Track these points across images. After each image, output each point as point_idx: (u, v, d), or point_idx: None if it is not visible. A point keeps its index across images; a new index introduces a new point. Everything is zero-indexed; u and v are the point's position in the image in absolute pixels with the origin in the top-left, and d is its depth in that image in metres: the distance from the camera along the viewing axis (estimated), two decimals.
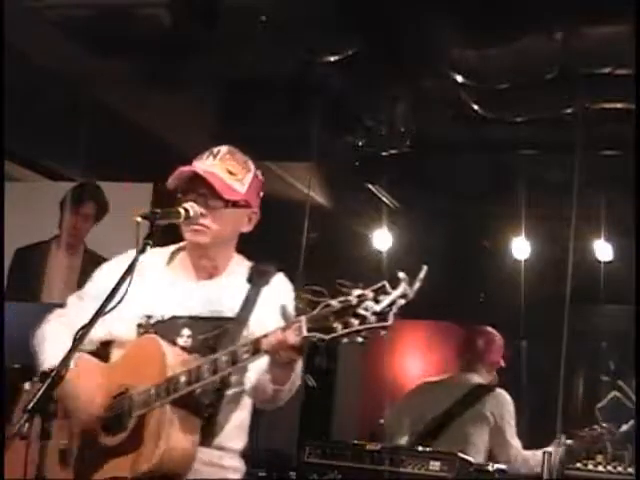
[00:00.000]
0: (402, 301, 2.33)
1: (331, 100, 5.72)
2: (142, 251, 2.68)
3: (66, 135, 5.99)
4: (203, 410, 2.69)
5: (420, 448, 4.86)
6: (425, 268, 2.36)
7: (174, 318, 2.83)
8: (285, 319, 2.49)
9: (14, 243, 6.15)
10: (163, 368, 2.68)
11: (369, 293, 2.33)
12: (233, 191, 2.83)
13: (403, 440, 5.36)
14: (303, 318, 2.42)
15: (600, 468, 6.23)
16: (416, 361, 9.08)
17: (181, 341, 2.78)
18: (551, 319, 5.60)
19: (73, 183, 6.34)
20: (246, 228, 2.91)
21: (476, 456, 5.06)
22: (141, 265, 2.72)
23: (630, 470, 6.08)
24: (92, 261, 6.10)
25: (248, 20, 4.74)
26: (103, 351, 2.93)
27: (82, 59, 5.20)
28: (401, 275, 2.36)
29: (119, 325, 2.84)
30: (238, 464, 2.89)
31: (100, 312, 2.55)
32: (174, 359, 2.69)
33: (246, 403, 2.87)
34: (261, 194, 2.92)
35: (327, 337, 2.38)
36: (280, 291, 2.85)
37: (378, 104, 5.97)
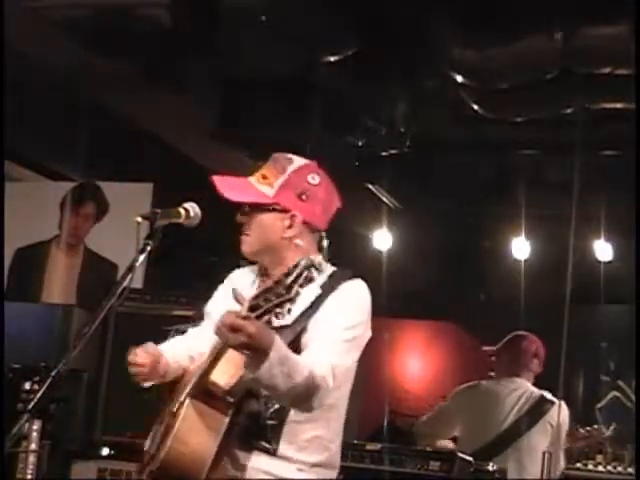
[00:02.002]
0: (312, 272, 2.38)
1: (331, 100, 5.72)
2: (142, 251, 2.68)
3: (66, 135, 6.00)
4: (227, 407, 2.62)
5: (420, 448, 4.86)
6: (325, 238, 2.58)
7: None
8: (237, 301, 2.46)
9: (14, 243, 6.15)
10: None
11: (292, 269, 2.39)
12: (257, 194, 2.80)
13: (445, 443, 5.34)
14: (247, 299, 2.43)
15: (600, 468, 6.25)
16: (416, 361, 9.08)
17: None
18: (551, 319, 5.60)
19: (73, 183, 6.34)
20: (288, 233, 2.80)
21: (537, 467, 5.02)
22: (236, 281, 2.88)
23: (630, 470, 6.10)
24: (92, 261, 6.12)
25: (248, 20, 4.74)
26: None
27: (82, 59, 5.21)
28: (298, 242, 2.45)
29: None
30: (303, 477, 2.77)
31: (103, 312, 2.56)
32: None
33: (323, 416, 2.77)
34: (304, 194, 2.81)
35: (252, 315, 2.38)
36: (343, 296, 2.76)
37: (378, 104, 5.97)
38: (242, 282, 2.92)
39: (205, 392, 2.63)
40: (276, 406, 2.69)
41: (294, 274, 2.38)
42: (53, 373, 2.44)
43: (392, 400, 7.42)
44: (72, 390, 4.61)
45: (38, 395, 2.41)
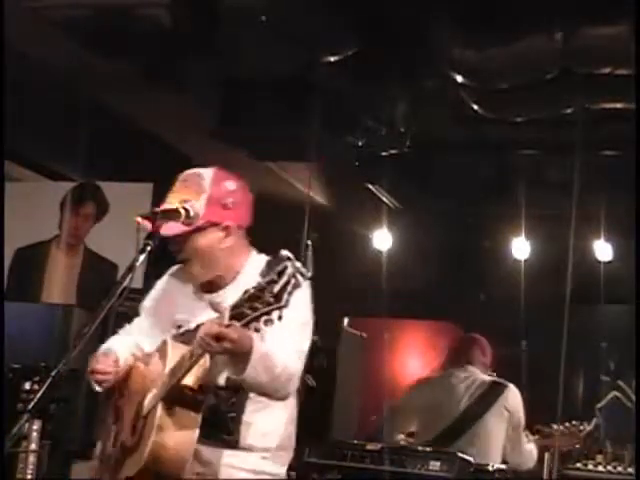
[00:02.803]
0: (298, 278, 2.36)
1: (331, 100, 5.72)
2: (142, 251, 2.69)
3: (66, 135, 5.99)
4: (201, 406, 2.70)
5: (420, 448, 4.86)
6: (310, 243, 2.48)
7: (199, 326, 2.86)
8: (214, 310, 2.52)
9: (14, 243, 6.15)
10: (164, 369, 2.74)
11: (274, 276, 2.37)
12: (188, 219, 2.84)
13: (400, 437, 5.36)
14: (227, 307, 2.46)
15: (600, 468, 6.24)
16: (416, 361, 9.09)
17: None
18: (551, 319, 5.60)
19: (73, 183, 6.34)
20: (226, 243, 2.90)
21: (495, 452, 5.04)
22: (169, 284, 3.01)
23: (630, 470, 6.08)
24: (92, 261, 6.12)
25: (248, 20, 4.74)
26: None
27: (82, 59, 5.20)
28: (284, 254, 2.42)
29: (162, 337, 2.93)
30: (267, 466, 2.89)
31: (103, 312, 2.56)
32: (175, 358, 2.72)
33: (278, 403, 2.87)
34: (229, 203, 2.87)
35: (239, 324, 2.42)
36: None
37: (378, 104, 5.97)
38: (177, 287, 3.02)
39: (176, 394, 2.68)
40: (234, 399, 2.78)
41: (281, 282, 2.36)
42: (53, 373, 2.44)
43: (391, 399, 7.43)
44: (72, 390, 4.60)
45: (38, 395, 2.41)
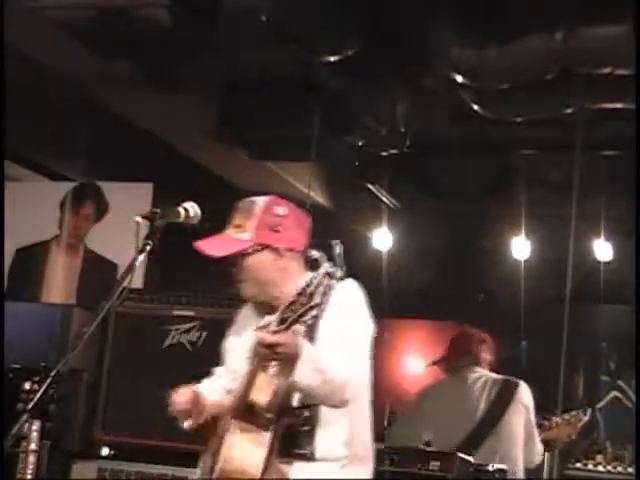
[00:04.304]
0: (330, 280, 2.71)
1: (331, 100, 5.72)
2: (142, 251, 2.69)
3: (66, 135, 6.00)
4: (267, 423, 2.78)
5: (420, 448, 4.85)
6: (337, 243, 2.91)
7: None
8: (265, 327, 2.71)
9: (14, 243, 6.16)
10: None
11: (308, 279, 2.70)
12: (237, 242, 2.95)
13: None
14: (274, 317, 2.69)
15: (600, 468, 6.25)
16: (416, 361, 9.09)
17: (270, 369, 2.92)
18: (551, 319, 5.60)
19: (73, 183, 6.35)
20: (279, 264, 2.98)
21: (519, 451, 4.92)
22: (243, 317, 3.14)
23: (630, 470, 6.10)
24: (92, 261, 6.12)
25: (248, 20, 4.74)
26: None
27: (82, 59, 5.21)
28: (314, 254, 2.80)
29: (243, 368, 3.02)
30: (345, 474, 2.94)
31: (103, 312, 2.57)
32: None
33: (348, 411, 2.90)
34: (278, 227, 2.96)
35: (282, 327, 2.63)
36: (342, 298, 2.93)
37: (378, 104, 5.97)
38: (250, 320, 3.08)
39: (246, 412, 2.77)
40: (306, 414, 2.86)
41: (314, 284, 2.68)
42: (53, 373, 2.44)
43: (392, 400, 7.43)
44: (72, 390, 4.60)
45: (38, 395, 2.41)
